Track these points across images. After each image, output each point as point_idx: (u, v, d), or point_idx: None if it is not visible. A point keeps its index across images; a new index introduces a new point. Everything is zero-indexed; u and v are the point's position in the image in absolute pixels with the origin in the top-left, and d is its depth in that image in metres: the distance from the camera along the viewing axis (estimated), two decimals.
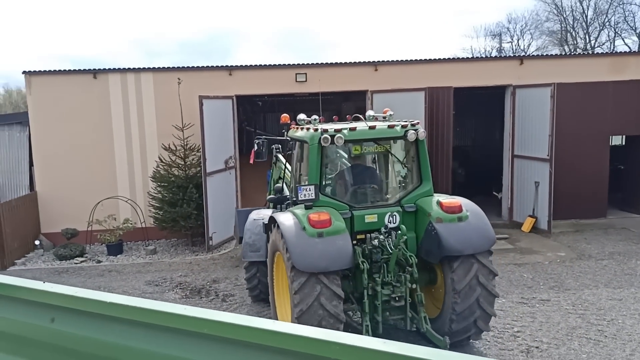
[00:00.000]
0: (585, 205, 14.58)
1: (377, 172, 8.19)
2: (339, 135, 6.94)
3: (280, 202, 8.64)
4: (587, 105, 14.51)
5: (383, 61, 14.84)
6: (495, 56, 37.85)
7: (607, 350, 7.04)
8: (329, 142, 6.96)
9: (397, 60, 14.91)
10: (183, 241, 14.27)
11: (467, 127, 21.76)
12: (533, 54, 40.54)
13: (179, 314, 1.89)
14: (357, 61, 14.82)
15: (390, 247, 6.68)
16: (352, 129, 7.18)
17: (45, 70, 14.30)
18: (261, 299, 9.12)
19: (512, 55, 39.12)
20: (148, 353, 2.00)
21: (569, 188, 14.24)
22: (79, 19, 78.98)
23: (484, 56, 41.40)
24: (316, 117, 8.11)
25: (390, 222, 7.11)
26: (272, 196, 8.63)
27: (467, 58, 26.19)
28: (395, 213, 7.17)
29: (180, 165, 13.67)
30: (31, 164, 15.01)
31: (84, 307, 2.17)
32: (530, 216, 13.95)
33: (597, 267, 10.68)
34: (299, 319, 6.33)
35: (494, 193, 16.01)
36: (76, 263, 12.87)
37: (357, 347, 1.52)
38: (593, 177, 14.64)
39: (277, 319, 7.48)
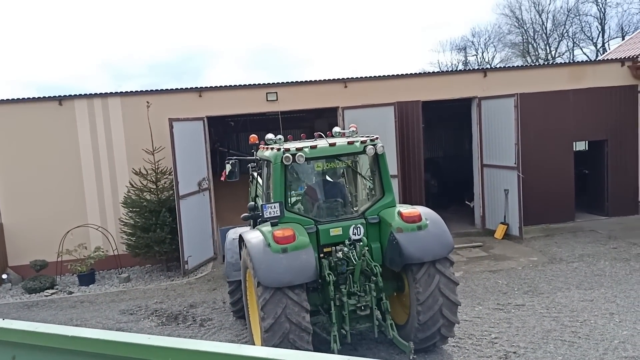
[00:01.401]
0: (554, 210, 14.91)
1: (342, 186, 8.41)
2: (299, 153, 7.30)
3: (254, 219, 8.74)
4: (550, 113, 14.92)
5: (352, 78, 15.00)
6: (461, 69, 38.61)
7: (581, 351, 7.15)
8: (291, 160, 7.29)
9: (366, 77, 15.09)
10: (158, 267, 14.04)
11: (438, 139, 22.09)
12: (497, 65, 41.54)
13: (142, 344, 1.85)
14: (327, 79, 14.96)
15: (355, 258, 6.94)
16: (313, 147, 7.48)
17: (8, 99, 14.03)
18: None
19: (476, 67, 40.00)
20: None
21: (537, 194, 14.56)
22: (43, 43, 77.87)
23: (450, 69, 42.25)
24: (281, 136, 8.25)
25: (355, 234, 7.30)
26: (245, 214, 8.73)
27: (434, 72, 26.62)
28: (359, 225, 7.36)
29: (152, 190, 13.50)
30: None
31: (45, 343, 2.11)
32: (501, 223, 14.17)
33: (568, 270, 10.89)
34: (266, 333, 6.50)
35: (467, 202, 16.24)
36: (46, 295, 12.52)
37: None
38: (560, 182, 15.01)
39: (252, 334, 7.70)
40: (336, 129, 8.49)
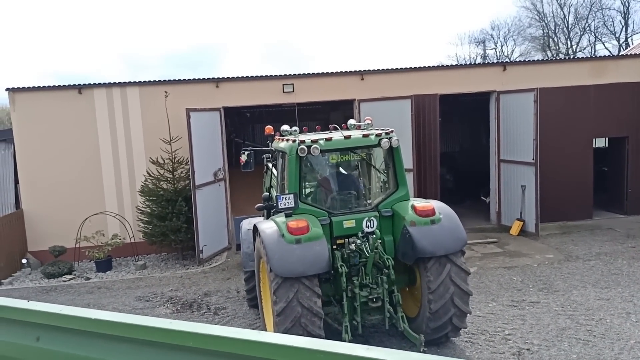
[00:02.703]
0: (571, 207, 14.75)
1: (356, 179, 8.46)
2: (314, 145, 7.33)
3: (268, 210, 8.82)
4: (570, 109, 14.72)
5: (369, 70, 14.95)
6: (480, 63, 38.22)
7: (596, 350, 7.09)
8: (306, 152, 7.33)
9: (383, 69, 15.03)
10: (173, 255, 14.20)
11: (454, 133, 21.96)
12: (516, 59, 41.00)
13: (164, 328, 1.89)
14: (343, 71, 14.93)
15: (367, 251, 7.02)
16: (328, 139, 7.49)
17: (29, 87, 14.22)
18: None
19: (495, 61, 39.55)
20: None
21: (554, 191, 14.41)
22: (64, 35, 78.74)
23: (468, 63, 41.83)
24: (296, 128, 8.33)
25: (368, 227, 7.37)
26: (260, 205, 8.84)
27: (452, 65, 26.37)
28: (372, 218, 7.43)
29: (168, 179, 13.63)
30: (16, 182, 14.88)
31: (69, 325, 2.16)
32: (517, 219, 14.06)
33: (585, 268, 10.78)
34: (278, 316, 6.60)
35: (482, 197, 16.14)
36: (64, 281, 12.73)
37: (341, 355, 1.54)
38: (578, 179, 14.83)
39: (264, 323, 7.80)
40: (351, 122, 8.55)
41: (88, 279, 12.83)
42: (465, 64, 34.51)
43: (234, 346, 1.74)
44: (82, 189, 14.18)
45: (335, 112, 18.65)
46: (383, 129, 7.87)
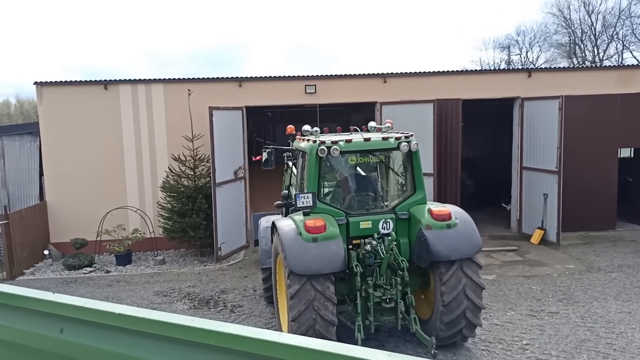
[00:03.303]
0: (594, 218, 14.51)
1: (374, 181, 8.55)
2: (334, 146, 7.43)
3: (287, 207, 8.93)
4: (596, 117, 14.48)
5: (392, 73, 14.90)
6: (504, 68, 37.82)
7: None
8: (326, 153, 7.45)
9: (406, 73, 14.97)
10: (192, 251, 14.32)
11: (476, 138, 21.75)
12: (541, 66, 40.49)
13: (186, 325, 1.91)
14: (366, 73, 14.91)
15: (382, 252, 7.11)
16: (348, 141, 7.59)
17: (56, 81, 14.47)
18: None
19: (520, 67, 39.10)
20: None
21: (577, 200, 14.18)
22: (90, 30, 79.95)
23: (492, 68, 41.44)
24: (317, 128, 8.44)
25: (384, 229, 7.48)
26: (279, 202, 8.94)
27: (476, 70, 26.10)
28: (389, 220, 7.53)
29: (189, 176, 13.75)
30: (41, 174, 15.16)
31: (92, 318, 2.19)
32: (539, 228, 13.88)
33: (606, 280, 10.59)
34: (293, 322, 6.74)
35: (503, 205, 15.96)
36: (85, 273, 12.93)
37: None
38: (602, 189, 14.57)
39: (279, 320, 7.90)
40: (372, 124, 8.62)
41: (108, 272, 13.01)
42: (490, 70, 34.17)
43: (254, 346, 1.75)
44: (104, 183, 14.39)
45: (356, 114, 18.63)
46: (403, 133, 7.94)
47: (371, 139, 7.72)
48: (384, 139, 7.74)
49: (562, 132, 13.05)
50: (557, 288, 10.24)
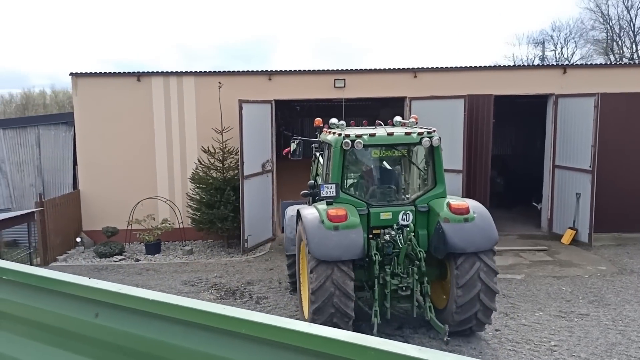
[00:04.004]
0: (628, 219, 14.11)
1: (396, 174, 8.88)
2: (358, 140, 7.72)
3: (312, 197, 9.18)
4: (632, 116, 14.07)
5: (423, 68, 14.76)
6: (538, 64, 37.08)
7: None
8: (350, 146, 7.74)
9: (436, 67, 14.81)
10: (219, 242, 14.48)
11: (507, 135, 21.38)
12: (577, 62, 39.54)
13: (218, 313, 1.94)
14: (396, 68, 14.80)
15: (401, 242, 7.40)
16: (372, 135, 7.89)
17: (91, 72, 14.77)
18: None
19: (555, 63, 38.28)
20: (187, 350, 2.06)
21: (611, 200, 13.82)
22: (123, 24, 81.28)
23: (526, 64, 40.66)
24: (343, 122, 8.71)
25: (404, 220, 7.76)
26: (305, 191, 9.24)
27: (509, 66, 25.70)
28: (408, 212, 7.81)
29: (218, 168, 13.90)
30: (75, 163, 15.51)
31: (127, 304, 2.24)
32: (570, 228, 13.60)
33: (639, 283, 10.34)
34: (313, 294, 7.10)
35: (534, 203, 15.68)
36: (115, 261, 13.21)
37: (394, 354, 1.53)
38: (637, 189, 14.17)
39: (301, 306, 8.25)
40: (397, 119, 8.83)
41: (137, 260, 13.27)
42: (523, 65, 33.56)
43: (285, 336, 1.77)
44: (136, 173, 14.65)
45: (385, 109, 18.51)
46: (425, 128, 8.13)
47: (394, 133, 7.95)
48: (407, 133, 7.95)
49: (597, 131, 12.74)
50: (587, 289, 10.04)
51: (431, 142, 7.85)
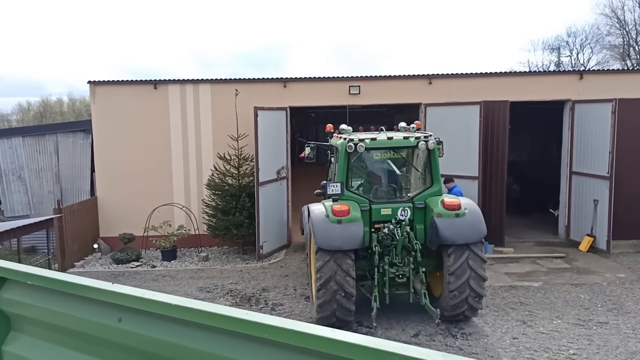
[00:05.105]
0: None
1: (396, 174, 9.74)
2: (360, 144, 8.74)
3: (325, 196, 9.82)
4: None
5: (438, 74, 14.73)
6: (554, 70, 36.80)
7: None
8: (353, 149, 8.75)
9: (451, 74, 14.77)
10: (234, 249, 14.53)
11: (523, 141, 21.23)
12: (593, 68, 39.13)
13: (240, 318, 1.95)
14: (411, 74, 14.79)
15: (398, 235, 8.28)
16: (373, 139, 8.89)
17: (109, 80, 14.95)
18: None
19: (571, 69, 37.96)
20: (210, 355, 2.07)
21: (629, 207, 13.63)
22: (139, 32, 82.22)
23: (541, 70, 40.36)
24: (350, 127, 9.82)
25: (402, 215, 8.66)
26: (318, 191, 10.08)
27: (525, 72, 25.47)
28: (406, 208, 8.75)
29: (234, 175, 13.97)
30: (92, 170, 15.69)
31: (150, 309, 2.26)
32: (588, 235, 13.44)
33: None
34: (318, 291, 8.02)
35: (551, 210, 15.53)
36: (132, 267, 13.32)
37: (418, 359, 1.53)
38: None
39: (311, 288, 9.08)
40: (402, 124, 9.74)
41: (154, 266, 13.36)
42: (539, 71, 33.30)
43: (309, 342, 1.77)
44: (152, 180, 14.77)
45: (399, 115, 18.50)
46: (423, 133, 9.21)
47: (393, 137, 8.95)
48: (405, 137, 8.92)
49: (615, 137, 12.60)
50: (606, 297, 9.90)
51: (427, 145, 8.75)
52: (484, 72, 14.86)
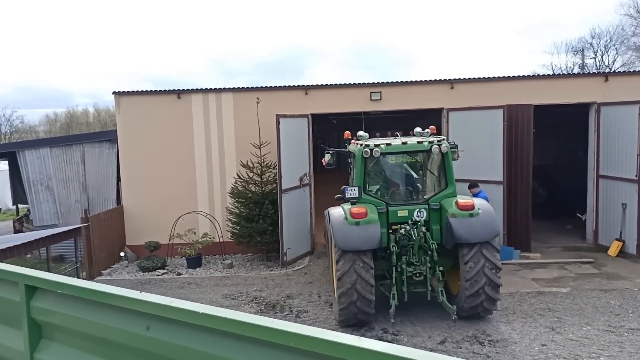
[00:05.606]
0: None
1: (411, 177, 10.16)
2: (376, 149, 9.15)
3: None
4: None
5: (459, 79, 14.64)
6: (579, 73, 36.22)
7: None
8: (369, 154, 9.15)
9: (474, 78, 14.66)
10: (258, 256, 14.60)
11: (549, 145, 20.90)
12: (618, 70, 38.42)
13: (267, 326, 1.97)
14: (432, 79, 14.71)
15: (415, 235, 8.62)
16: (388, 144, 9.31)
17: (133, 91, 15.22)
18: None
19: (596, 71, 37.36)
20: None
21: None
22: (159, 40, 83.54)
23: (565, 72, 39.77)
24: (367, 134, 10.34)
25: (418, 217, 8.98)
26: (339, 195, 10.24)
27: (549, 75, 25.16)
28: (422, 209, 9.07)
29: (257, 182, 14.06)
30: (118, 179, 15.95)
31: (178, 317, 2.30)
32: (617, 239, 13.15)
33: None
34: (339, 281, 8.34)
35: (578, 215, 15.24)
36: (158, 275, 13.47)
37: None
38: None
39: (333, 287, 9.20)
40: (417, 129, 10.11)
41: (179, 274, 13.50)
42: (563, 74, 32.83)
43: (335, 350, 1.78)
44: (177, 189, 14.96)
45: (422, 121, 18.40)
46: (437, 137, 9.57)
47: (407, 142, 9.33)
48: (419, 142, 9.30)
49: None
50: (637, 303, 9.67)
51: (440, 149, 9.12)
52: (506, 75, 14.72)
